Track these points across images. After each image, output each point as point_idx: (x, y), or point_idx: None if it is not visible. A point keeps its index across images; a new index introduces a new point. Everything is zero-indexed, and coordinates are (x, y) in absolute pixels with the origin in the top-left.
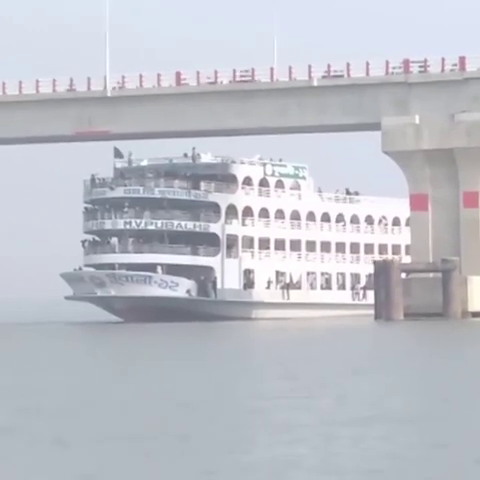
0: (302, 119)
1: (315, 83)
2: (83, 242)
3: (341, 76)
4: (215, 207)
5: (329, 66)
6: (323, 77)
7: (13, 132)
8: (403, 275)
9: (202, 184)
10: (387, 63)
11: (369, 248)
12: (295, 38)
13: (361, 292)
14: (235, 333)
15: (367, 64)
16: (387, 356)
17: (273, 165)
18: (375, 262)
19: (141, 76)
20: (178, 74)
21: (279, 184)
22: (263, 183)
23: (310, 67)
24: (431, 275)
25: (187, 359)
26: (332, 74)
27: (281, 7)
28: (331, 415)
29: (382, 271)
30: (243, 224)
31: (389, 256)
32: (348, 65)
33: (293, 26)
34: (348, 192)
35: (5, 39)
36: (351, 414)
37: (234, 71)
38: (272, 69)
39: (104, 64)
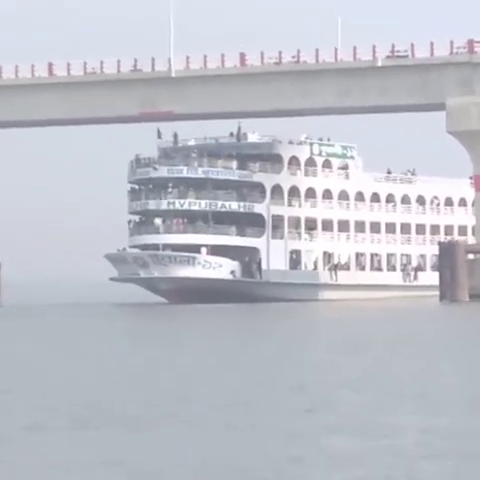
0: (365, 99)
1: (379, 63)
2: (129, 222)
3: (405, 56)
4: (260, 187)
5: (393, 46)
6: (387, 57)
7: (78, 113)
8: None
9: (247, 164)
10: (451, 43)
11: (421, 229)
12: (359, 18)
13: (412, 273)
14: (290, 314)
15: (431, 44)
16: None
17: (320, 145)
18: (440, 243)
19: (205, 57)
20: (242, 55)
21: (326, 164)
22: (310, 163)
23: (374, 47)
24: None
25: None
26: (396, 54)
27: None
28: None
29: (447, 252)
30: (289, 204)
31: (441, 237)
32: (412, 45)
33: (357, 6)
34: (389, 171)
35: (71, 20)
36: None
37: (298, 51)
38: (336, 49)
39: (168, 46)
